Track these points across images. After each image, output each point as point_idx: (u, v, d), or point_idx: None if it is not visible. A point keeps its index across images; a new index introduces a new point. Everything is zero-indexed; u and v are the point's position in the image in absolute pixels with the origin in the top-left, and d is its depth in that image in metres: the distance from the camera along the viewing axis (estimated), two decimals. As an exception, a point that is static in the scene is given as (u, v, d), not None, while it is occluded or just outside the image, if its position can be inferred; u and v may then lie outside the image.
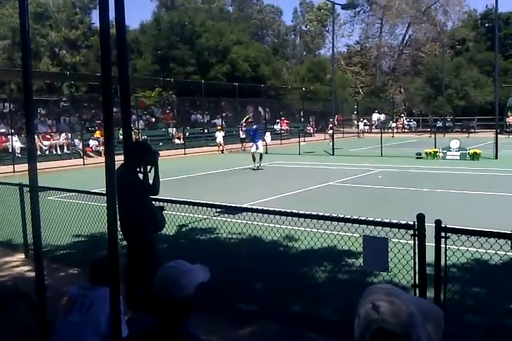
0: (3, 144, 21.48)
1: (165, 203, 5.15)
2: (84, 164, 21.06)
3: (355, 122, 42.21)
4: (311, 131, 39.50)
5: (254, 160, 17.55)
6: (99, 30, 1.97)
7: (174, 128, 30.02)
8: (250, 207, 7.03)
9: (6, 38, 40.51)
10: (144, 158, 4.54)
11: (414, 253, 3.65)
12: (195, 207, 5.32)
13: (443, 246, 3.53)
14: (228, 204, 5.69)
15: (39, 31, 40.60)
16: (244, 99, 36.67)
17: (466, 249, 3.91)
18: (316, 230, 4.87)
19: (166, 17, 42.70)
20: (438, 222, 3.55)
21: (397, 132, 38.88)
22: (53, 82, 38.27)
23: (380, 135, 22.97)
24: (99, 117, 27.43)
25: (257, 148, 17.59)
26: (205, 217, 6.12)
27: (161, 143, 26.78)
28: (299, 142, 25.03)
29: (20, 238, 6.98)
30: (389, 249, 3.72)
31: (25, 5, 2.48)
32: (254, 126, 18.53)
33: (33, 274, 2.91)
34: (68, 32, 43.43)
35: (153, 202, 4.82)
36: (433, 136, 23.27)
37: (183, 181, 14.88)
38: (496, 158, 18.65)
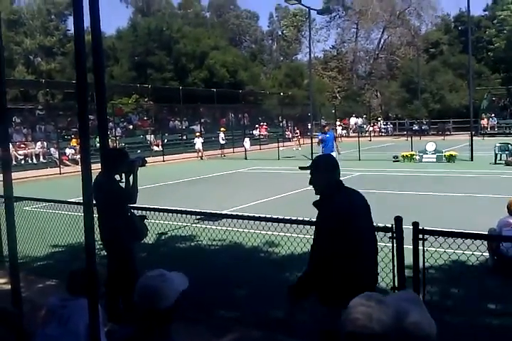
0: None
1: (144, 211, 5.10)
2: (60, 173, 20.78)
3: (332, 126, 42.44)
4: (290, 136, 39.71)
5: None
6: (74, 36, 1.96)
7: (152, 135, 29.86)
8: (230, 213, 7.03)
9: (-23, 46, 39.89)
10: (119, 164, 4.46)
11: (393, 255, 3.69)
12: (175, 214, 5.29)
13: (421, 248, 3.57)
14: (208, 211, 5.67)
15: (13, 38, 40.05)
16: (223, 105, 36.70)
17: (443, 250, 3.96)
18: (296, 235, 4.88)
19: (143, 23, 42.59)
20: (415, 224, 3.59)
21: (374, 136, 39.34)
22: (28, 90, 37.80)
23: (357, 139, 23.19)
24: (76, 125, 27.12)
25: None
26: (184, 224, 6.10)
27: (139, 151, 26.59)
28: (278, 147, 25.13)
29: (-5, 250, 6.84)
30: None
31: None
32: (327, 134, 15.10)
33: (8, 287, 2.86)
34: (43, 39, 42.98)
35: (135, 211, 4.76)
36: (409, 139, 23.60)
37: (162, 188, 14.78)
38: (472, 159, 18.98)
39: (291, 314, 3.44)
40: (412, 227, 3.58)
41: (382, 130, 44.32)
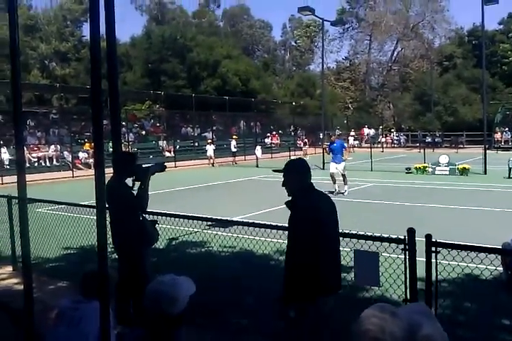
0: (-8, 156, 21.30)
1: (155, 216, 5.10)
2: (73, 176, 20.92)
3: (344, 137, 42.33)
4: (301, 145, 39.69)
5: (334, 182, 14.26)
6: (89, 43, 1.97)
7: (164, 141, 30.00)
8: (241, 220, 7.01)
9: (-6, 50, 40.43)
10: (128, 168, 4.45)
11: (405, 267, 3.64)
12: (186, 220, 5.29)
13: (433, 260, 3.52)
14: (219, 218, 5.66)
15: (29, 43, 40.57)
16: (235, 113, 36.85)
17: (456, 263, 3.91)
18: (306, 244, 4.84)
19: (157, 31, 43.00)
20: (428, 237, 3.55)
21: (386, 147, 39.18)
22: (43, 94, 38.16)
23: (369, 150, 23.12)
24: (89, 129, 27.35)
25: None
26: (195, 230, 6.08)
27: (151, 156, 26.71)
28: (290, 156, 25.08)
29: (9, 250, 6.89)
30: (380, 264, 3.71)
31: (15, 17, 2.48)
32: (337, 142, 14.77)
33: (21, 287, 2.86)
34: (58, 44, 43.44)
35: (146, 216, 4.75)
36: (422, 151, 23.47)
37: (173, 194, 14.81)
38: (485, 173, 18.82)
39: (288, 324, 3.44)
40: (424, 239, 3.54)
41: (395, 141, 44.16)
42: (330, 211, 3.34)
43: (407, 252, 3.60)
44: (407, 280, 3.65)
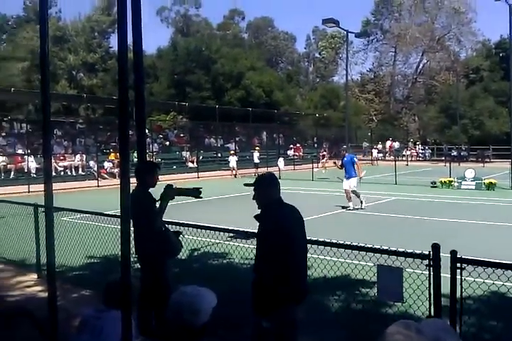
0: (19, 164, 21.75)
1: (177, 226, 5.13)
2: (98, 186, 21.20)
3: (368, 149, 42.05)
4: (320, 158, 39.53)
5: (348, 199, 13.75)
6: (117, 54, 2.00)
7: (188, 152, 30.24)
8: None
9: (25, 60, 41.47)
10: (149, 177, 4.47)
11: (429, 283, 3.58)
12: (208, 231, 5.30)
13: (459, 277, 3.46)
14: (241, 229, 5.66)
15: (57, 54, 41.51)
16: (258, 125, 36.98)
17: (482, 280, 3.82)
18: (329, 258, 4.81)
19: (183, 43, 43.62)
20: (453, 253, 3.49)
21: (411, 160, 38.73)
22: (70, 104, 38.93)
23: (394, 163, 22.89)
24: (115, 139, 27.78)
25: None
26: (217, 241, 6.09)
27: (174, 167, 26.94)
28: (312, 168, 25.01)
29: (34, 258, 6.99)
30: (403, 279, 3.65)
31: (46, 29, 2.54)
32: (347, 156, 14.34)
33: (45, 294, 2.90)
34: (86, 55, 44.35)
35: (169, 226, 4.76)
36: (448, 164, 23.14)
37: (195, 205, 14.86)
38: (512, 188, 18.44)
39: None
40: (450, 255, 3.48)
41: (420, 154, 43.65)
42: (297, 224, 3.50)
43: (431, 268, 3.55)
44: (431, 296, 3.59)
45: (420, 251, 3.66)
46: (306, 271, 3.58)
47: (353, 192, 13.68)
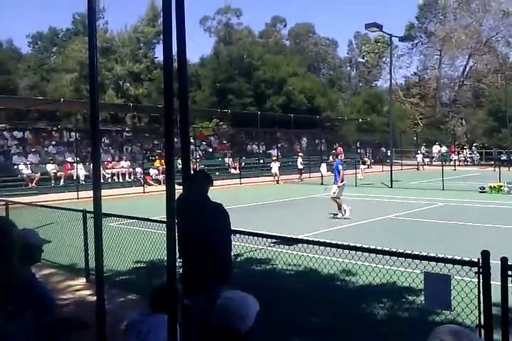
0: (69, 172, 22.50)
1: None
2: (144, 192, 21.65)
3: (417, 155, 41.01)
4: (368, 163, 38.96)
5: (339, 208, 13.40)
6: (162, 63, 2.05)
7: (230, 158, 30.48)
8: (306, 238, 6.95)
9: (73, 71, 43.01)
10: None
11: (479, 291, 3.47)
12: (251, 236, 5.32)
13: (510, 285, 3.34)
14: (283, 235, 5.65)
15: (105, 65, 42.82)
16: (300, 130, 36.86)
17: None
18: (374, 265, 4.75)
19: (225, 51, 44.13)
20: (504, 260, 3.38)
21: (459, 165, 37.66)
22: (117, 113, 40.02)
23: (440, 167, 22.33)
24: (160, 147, 28.33)
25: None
26: (260, 247, 6.10)
27: (217, 173, 27.20)
28: (356, 173, 24.70)
29: (83, 262, 7.20)
30: (451, 287, 3.55)
31: (95, 41, 2.62)
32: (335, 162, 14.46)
33: (93, 298, 2.99)
34: (132, 65, 45.54)
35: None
36: (497, 169, 22.39)
37: (238, 210, 14.95)
38: None
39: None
40: (500, 262, 3.36)
41: (468, 159, 42.39)
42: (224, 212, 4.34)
43: (480, 276, 3.44)
44: (481, 305, 3.47)
45: (469, 258, 3.56)
46: (225, 259, 4.21)
47: (333, 198, 13.38)
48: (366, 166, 32.52)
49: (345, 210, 13.04)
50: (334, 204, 13.42)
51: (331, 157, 26.46)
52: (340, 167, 13.66)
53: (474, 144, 45.22)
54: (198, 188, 4.45)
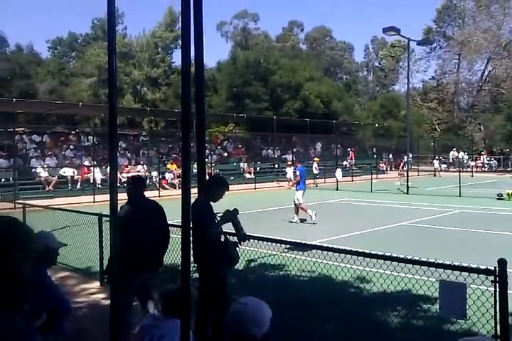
0: (86, 175, 22.72)
1: (234, 237, 5.16)
2: (159, 196, 21.71)
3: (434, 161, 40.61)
4: (384, 168, 38.66)
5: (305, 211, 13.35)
6: (180, 68, 2.07)
7: (245, 163, 30.49)
8: (320, 244, 6.92)
9: (92, 76, 43.52)
10: (213, 190, 4.63)
11: (495, 300, 3.42)
12: (265, 242, 5.31)
13: (528, 294, 3.29)
14: (298, 241, 5.64)
15: (123, 69, 43.24)
16: (316, 135, 36.78)
17: (553, 298, 3.61)
18: (389, 272, 4.70)
19: (242, 56, 44.29)
20: (522, 268, 3.33)
21: (476, 171, 37.18)
22: (134, 117, 40.35)
23: (458, 174, 22.07)
24: (175, 151, 28.47)
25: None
26: (274, 252, 6.09)
27: (232, 177, 27.22)
28: (371, 179, 24.51)
29: (97, 266, 7.25)
30: (467, 296, 3.51)
31: (114, 45, 2.65)
32: (298, 166, 14.68)
33: (107, 302, 3.01)
34: (150, 70, 45.94)
35: (228, 237, 4.83)
36: (515, 175, 22.05)
37: (252, 215, 14.94)
38: None
39: None
40: (517, 271, 3.32)
41: (486, 165, 41.83)
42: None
43: (497, 284, 3.39)
44: (497, 314, 3.42)
45: (485, 266, 3.51)
46: (160, 246, 4.72)
47: (298, 205, 13.41)
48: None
49: (310, 215, 13.07)
50: (301, 210, 13.41)
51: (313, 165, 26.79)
52: (297, 172, 13.94)
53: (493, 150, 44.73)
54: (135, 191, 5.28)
